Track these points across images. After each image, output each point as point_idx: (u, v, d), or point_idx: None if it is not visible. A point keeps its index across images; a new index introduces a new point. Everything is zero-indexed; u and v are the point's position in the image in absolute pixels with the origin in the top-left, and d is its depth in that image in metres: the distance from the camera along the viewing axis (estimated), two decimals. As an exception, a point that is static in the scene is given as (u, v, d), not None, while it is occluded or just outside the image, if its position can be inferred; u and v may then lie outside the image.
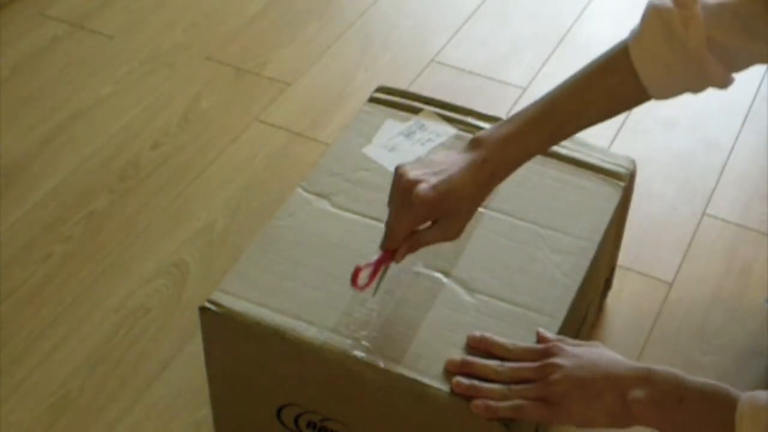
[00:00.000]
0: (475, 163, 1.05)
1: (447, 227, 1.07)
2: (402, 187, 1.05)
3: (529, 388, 1.02)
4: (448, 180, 1.04)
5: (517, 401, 1.01)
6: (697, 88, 1.07)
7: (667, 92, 1.08)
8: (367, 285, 1.08)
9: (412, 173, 1.05)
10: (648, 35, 1.04)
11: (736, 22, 1.01)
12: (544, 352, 1.04)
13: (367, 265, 1.07)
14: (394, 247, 1.07)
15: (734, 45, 1.03)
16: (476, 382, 1.04)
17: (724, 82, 1.06)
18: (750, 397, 0.92)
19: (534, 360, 1.04)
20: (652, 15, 1.04)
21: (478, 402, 1.02)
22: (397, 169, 1.08)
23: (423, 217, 1.05)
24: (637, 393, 0.97)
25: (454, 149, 1.09)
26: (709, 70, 1.04)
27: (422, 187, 1.03)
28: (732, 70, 1.05)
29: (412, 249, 1.08)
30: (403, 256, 1.08)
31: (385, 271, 1.10)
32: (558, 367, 1.01)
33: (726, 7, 1.01)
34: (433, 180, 1.04)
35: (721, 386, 0.96)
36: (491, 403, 1.02)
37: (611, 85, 1.06)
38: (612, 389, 0.99)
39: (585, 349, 1.04)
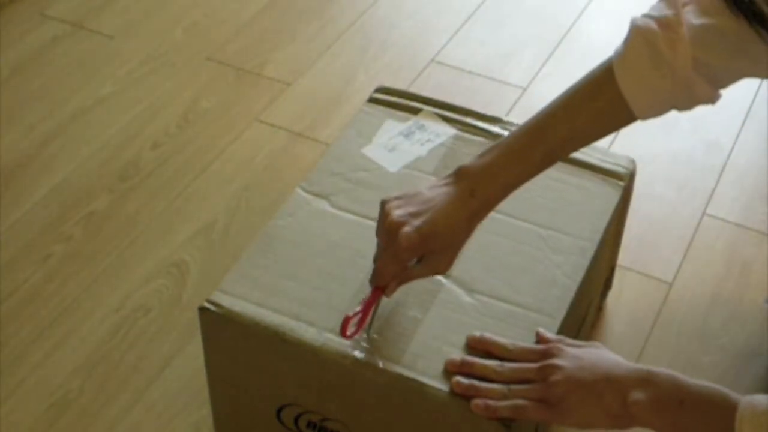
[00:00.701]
0: (462, 197, 1.05)
1: (435, 264, 1.07)
2: (387, 227, 1.05)
3: (529, 389, 1.02)
4: (431, 221, 1.03)
5: (517, 401, 1.01)
6: (684, 107, 1.07)
7: (654, 112, 1.07)
8: (356, 332, 1.07)
9: (396, 213, 1.04)
10: (633, 57, 1.03)
11: (721, 42, 1.01)
12: (543, 352, 1.04)
13: (356, 313, 1.07)
14: (383, 286, 1.07)
15: (720, 64, 1.02)
16: (476, 382, 1.04)
17: (711, 100, 1.05)
18: (750, 401, 0.92)
19: (533, 360, 1.04)
20: (636, 36, 1.03)
21: (477, 401, 1.02)
22: (382, 204, 1.07)
23: (409, 259, 1.05)
24: (637, 395, 0.97)
25: (439, 179, 1.07)
26: (697, 90, 1.03)
27: (405, 230, 1.03)
28: (719, 87, 1.05)
29: (402, 284, 1.08)
30: (393, 291, 1.08)
31: (376, 308, 1.10)
32: (558, 368, 1.01)
33: (710, 27, 1.01)
34: (417, 222, 1.03)
35: (720, 389, 0.96)
36: (491, 402, 1.02)
37: (598, 110, 1.06)
38: (612, 391, 0.99)
39: (585, 350, 1.04)
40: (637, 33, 1.03)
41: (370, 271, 1.14)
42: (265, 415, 1.19)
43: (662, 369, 0.99)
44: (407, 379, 1.06)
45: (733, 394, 0.94)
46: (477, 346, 1.08)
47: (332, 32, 1.99)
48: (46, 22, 2.00)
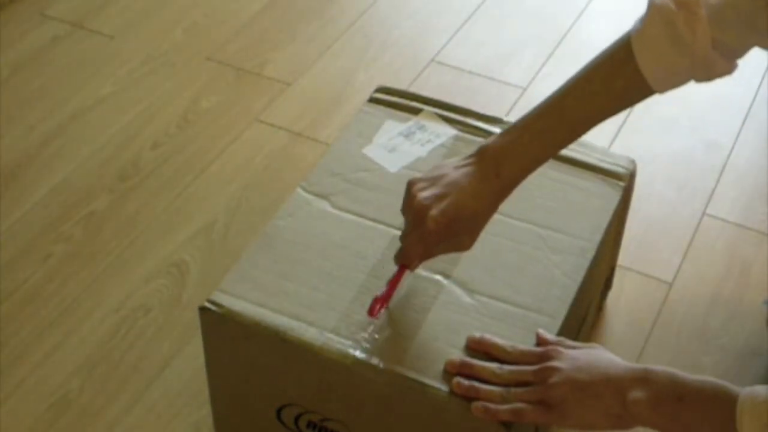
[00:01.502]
0: (486, 177, 1.06)
1: (459, 243, 1.09)
2: (414, 208, 1.07)
3: (528, 391, 1.02)
4: (456, 203, 1.05)
5: (517, 405, 1.01)
6: (702, 80, 1.08)
7: (672, 87, 1.08)
8: (380, 308, 1.10)
9: (422, 195, 1.07)
10: (651, 36, 1.03)
11: (738, 20, 1.01)
12: (542, 355, 1.04)
13: (384, 293, 1.11)
14: (409, 265, 1.11)
15: (737, 42, 1.03)
16: (476, 384, 1.04)
17: (729, 72, 1.06)
18: (750, 392, 0.92)
19: (532, 363, 1.04)
20: (654, 15, 1.03)
21: (477, 405, 1.02)
22: (409, 185, 1.10)
23: (436, 240, 1.07)
24: (636, 394, 0.97)
25: (462, 158, 1.09)
26: (715, 67, 1.04)
27: (432, 214, 1.05)
28: (735, 59, 1.06)
29: (426, 259, 1.11)
30: (417, 267, 1.12)
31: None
32: (556, 370, 1.02)
33: (727, 5, 1.01)
34: (443, 205, 1.05)
35: (719, 383, 0.96)
36: (491, 406, 1.02)
37: (618, 87, 1.06)
38: (611, 391, 0.99)
39: (583, 351, 1.04)
40: (655, 11, 1.02)
41: (371, 272, 1.15)
42: (265, 415, 1.19)
43: (660, 367, 0.99)
44: (407, 379, 1.06)
45: (733, 387, 0.94)
46: (476, 347, 1.08)
47: (332, 32, 1.99)
48: (46, 22, 2.00)
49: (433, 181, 1.08)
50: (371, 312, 1.10)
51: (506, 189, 1.08)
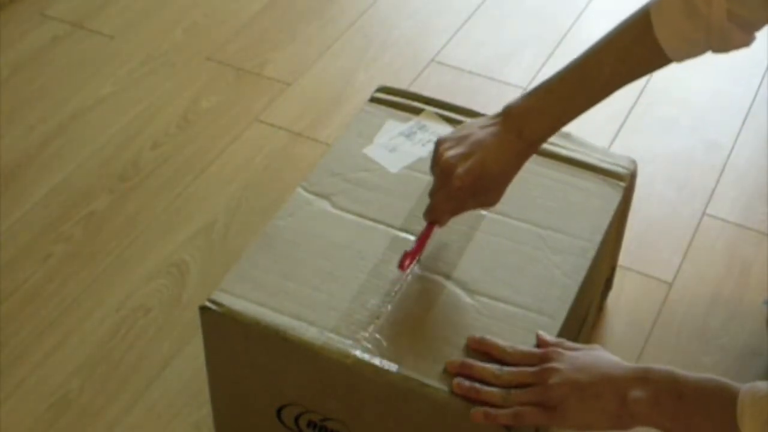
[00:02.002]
0: (510, 138, 1.10)
1: (485, 200, 1.15)
2: (441, 167, 1.12)
3: (528, 393, 1.02)
4: (482, 161, 1.10)
5: (516, 408, 1.01)
6: (720, 51, 1.09)
7: (689, 56, 1.10)
8: (410, 264, 1.15)
9: (449, 154, 1.11)
10: (668, 9, 1.05)
11: None
12: (542, 356, 1.04)
13: (414, 249, 1.15)
14: (438, 221, 1.16)
15: (753, 15, 1.04)
16: (476, 385, 1.04)
17: (746, 44, 1.08)
18: (750, 387, 0.92)
19: (532, 364, 1.04)
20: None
21: (477, 410, 1.02)
22: (437, 144, 1.14)
23: (462, 197, 1.12)
24: (637, 393, 0.97)
25: (488, 118, 1.14)
26: (731, 38, 1.06)
27: (458, 172, 1.10)
28: (752, 32, 1.07)
29: (454, 215, 1.16)
30: (445, 223, 1.16)
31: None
32: (556, 370, 1.02)
33: None
34: (469, 163, 1.10)
35: (719, 380, 0.96)
36: (490, 410, 1.02)
37: (638, 55, 1.09)
38: (610, 391, 0.99)
39: (583, 352, 1.04)
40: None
41: (371, 272, 1.15)
42: (266, 415, 1.19)
43: (660, 366, 0.99)
44: (408, 378, 1.06)
45: (732, 383, 0.94)
46: (477, 348, 1.08)
47: (332, 32, 1.99)
48: (46, 22, 2.00)
49: (459, 140, 1.13)
50: (401, 266, 1.14)
51: (529, 149, 1.12)
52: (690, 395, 0.96)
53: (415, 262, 1.17)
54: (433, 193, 1.15)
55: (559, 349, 1.04)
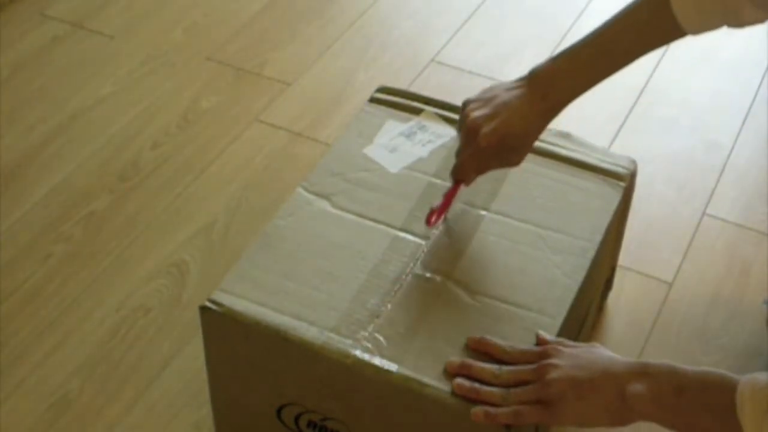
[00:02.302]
0: (534, 100, 1.14)
1: (509, 159, 1.18)
2: (468, 126, 1.17)
3: (527, 391, 1.02)
4: (507, 122, 1.14)
5: (516, 407, 1.01)
6: (734, 25, 1.10)
7: (705, 30, 1.11)
8: (437, 220, 1.20)
9: (476, 114, 1.16)
10: None
11: None
12: (541, 353, 1.05)
13: (439, 204, 1.20)
14: (464, 179, 1.20)
15: None
16: (476, 385, 1.04)
17: (760, 21, 1.08)
18: (750, 379, 0.92)
19: (531, 362, 1.04)
20: None
21: (477, 410, 1.02)
22: (464, 105, 1.19)
23: (488, 156, 1.16)
24: (636, 387, 0.97)
25: (514, 81, 1.18)
26: (744, 14, 1.06)
27: (484, 131, 1.14)
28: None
29: (480, 174, 1.20)
30: (471, 182, 1.21)
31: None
32: (555, 367, 1.02)
33: None
34: (494, 124, 1.14)
35: (717, 372, 0.95)
36: (490, 410, 1.02)
37: (654, 28, 1.12)
38: (610, 386, 0.99)
39: (581, 349, 1.05)
40: None
41: (371, 272, 1.15)
42: (266, 415, 1.19)
43: (659, 361, 0.99)
44: (408, 378, 1.06)
45: (732, 375, 0.94)
46: (476, 348, 1.08)
47: (332, 32, 1.99)
48: (46, 22, 2.00)
49: (485, 101, 1.17)
50: (428, 221, 1.19)
51: (552, 111, 1.15)
52: (690, 388, 0.96)
53: (441, 219, 1.21)
54: (459, 153, 1.19)
55: (558, 347, 1.05)
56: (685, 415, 0.96)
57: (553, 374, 1.01)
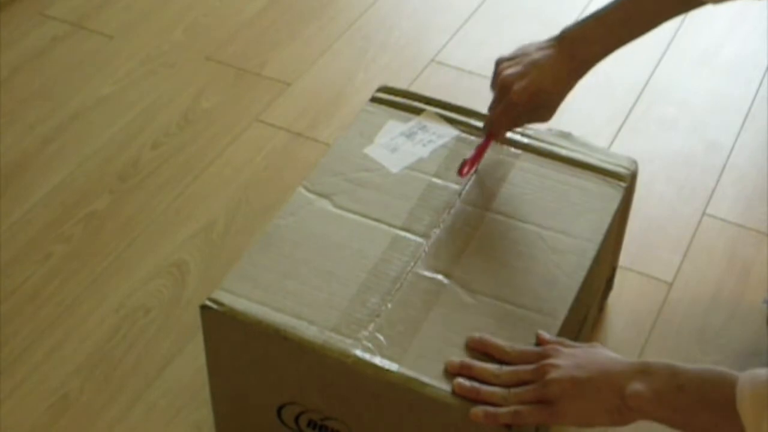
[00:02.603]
0: (564, 59, 1.22)
1: (539, 115, 1.26)
2: (501, 83, 1.25)
3: (528, 391, 1.02)
4: (538, 79, 1.22)
5: (516, 407, 1.01)
6: None
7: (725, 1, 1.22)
8: (469, 171, 1.25)
9: (508, 72, 1.24)
10: None
11: None
12: (541, 353, 1.05)
13: (471, 156, 1.26)
14: (496, 134, 1.28)
15: None
16: (477, 385, 1.04)
17: None
18: (750, 375, 0.91)
19: (531, 362, 1.04)
20: None
21: (477, 410, 1.02)
22: (497, 63, 1.28)
23: (519, 112, 1.24)
24: (636, 386, 0.97)
25: (545, 40, 1.26)
26: None
27: (515, 88, 1.22)
28: None
29: (510, 129, 1.29)
30: (502, 136, 1.29)
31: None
32: (554, 367, 1.02)
33: None
34: (525, 81, 1.22)
35: (717, 369, 0.95)
36: (490, 410, 1.02)
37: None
38: (609, 385, 0.99)
39: (582, 349, 1.05)
40: None
41: (372, 270, 1.15)
42: (266, 414, 1.19)
43: (658, 360, 0.99)
44: (408, 378, 1.06)
45: (732, 372, 0.94)
46: (476, 348, 1.08)
47: (332, 32, 1.99)
48: (46, 22, 2.00)
49: (517, 60, 1.25)
50: (460, 172, 1.25)
51: (580, 70, 1.24)
52: (689, 386, 0.95)
53: (473, 170, 1.26)
54: (492, 108, 1.27)
55: (558, 347, 1.05)
56: (685, 413, 0.96)
57: (554, 374, 1.01)
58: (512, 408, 1.01)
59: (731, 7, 2.00)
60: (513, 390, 1.03)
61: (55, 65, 1.91)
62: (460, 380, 1.04)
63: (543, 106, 1.24)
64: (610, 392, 0.98)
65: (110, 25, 1.99)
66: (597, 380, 0.99)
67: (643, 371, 0.98)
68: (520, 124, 1.28)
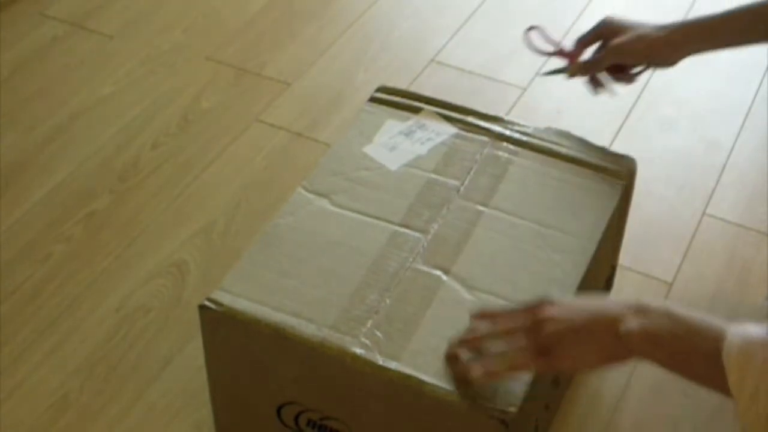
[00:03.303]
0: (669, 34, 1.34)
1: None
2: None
3: (523, 342, 1.01)
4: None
5: (514, 358, 1.01)
6: None
7: None
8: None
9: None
10: None
11: None
12: (534, 308, 1.03)
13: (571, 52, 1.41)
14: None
15: None
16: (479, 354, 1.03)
17: None
18: (740, 331, 0.90)
19: (527, 317, 1.03)
20: None
21: (476, 371, 1.02)
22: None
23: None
24: (630, 325, 0.95)
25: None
26: None
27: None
28: None
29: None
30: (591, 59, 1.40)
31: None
32: (549, 315, 1.01)
33: None
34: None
35: (712, 319, 0.94)
36: (489, 366, 1.01)
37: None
38: (603, 325, 0.98)
39: (575, 299, 1.05)
40: None
41: (370, 268, 1.16)
42: (266, 414, 1.19)
43: (656, 300, 0.98)
44: (407, 376, 1.06)
45: (724, 323, 0.92)
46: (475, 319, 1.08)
47: (332, 32, 1.99)
48: (46, 22, 2.00)
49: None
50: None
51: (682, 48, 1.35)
52: (681, 331, 0.94)
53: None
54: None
55: (551, 300, 1.03)
56: (676, 357, 0.95)
57: (549, 323, 1.00)
58: (509, 359, 1.01)
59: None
60: (511, 346, 1.02)
61: (55, 65, 1.91)
62: (461, 357, 1.03)
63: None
64: (605, 333, 0.97)
65: (110, 25, 2.00)
66: (591, 323, 0.99)
67: (639, 311, 0.96)
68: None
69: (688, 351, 0.94)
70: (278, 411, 1.18)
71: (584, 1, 2.06)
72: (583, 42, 1.39)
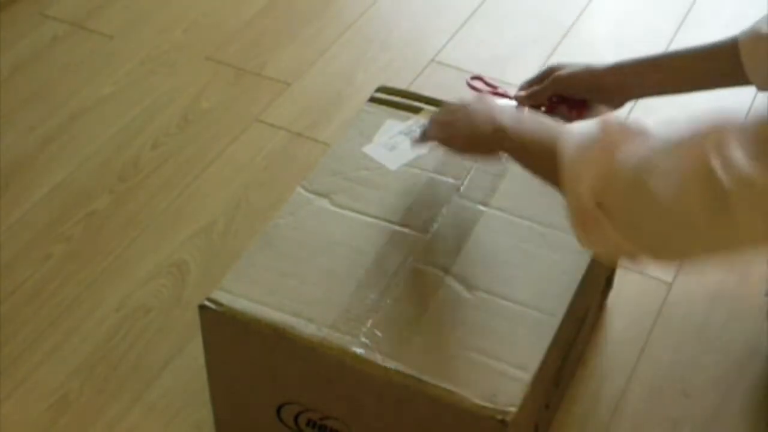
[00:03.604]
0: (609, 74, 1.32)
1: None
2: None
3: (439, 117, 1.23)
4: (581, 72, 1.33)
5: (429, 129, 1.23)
6: None
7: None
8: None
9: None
10: (759, 44, 1.26)
11: None
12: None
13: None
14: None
15: None
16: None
17: None
18: (572, 134, 1.01)
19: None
20: (756, 41, 1.25)
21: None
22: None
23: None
24: (503, 119, 1.10)
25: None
26: None
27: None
28: None
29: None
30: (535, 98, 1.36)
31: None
32: (463, 105, 1.18)
33: None
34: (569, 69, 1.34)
35: (557, 125, 1.05)
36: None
37: (717, 71, 1.33)
38: (490, 117, 1.12)
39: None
40: (758, 39, 1.26)
41: (370, 267, 1.16)
42: (266, 414, 1.19)
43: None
44: (406, 375, 1.06)
45: (567, 127, 1.03)
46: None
47: (332, 32, 1.99)
48: (46, 22, 2.00)
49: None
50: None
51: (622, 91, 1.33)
52: (530, 131, 1.08)
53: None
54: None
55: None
56: (526, 154, 1.08)
57: (459, 107, 1.19)
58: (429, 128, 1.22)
59: (731, 7, 2.00)
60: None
61: (55, 65, 1.91)
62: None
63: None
64: (488, 122, 1.11)
65: (110, 25, 2.00)
66: (484, 111, 1.14)
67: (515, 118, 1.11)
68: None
69: (536, 152, 1.06)
70: (278, 411, 1.18)
71: (584, 1, 2.06)
72: (530, 83, 1.34)
